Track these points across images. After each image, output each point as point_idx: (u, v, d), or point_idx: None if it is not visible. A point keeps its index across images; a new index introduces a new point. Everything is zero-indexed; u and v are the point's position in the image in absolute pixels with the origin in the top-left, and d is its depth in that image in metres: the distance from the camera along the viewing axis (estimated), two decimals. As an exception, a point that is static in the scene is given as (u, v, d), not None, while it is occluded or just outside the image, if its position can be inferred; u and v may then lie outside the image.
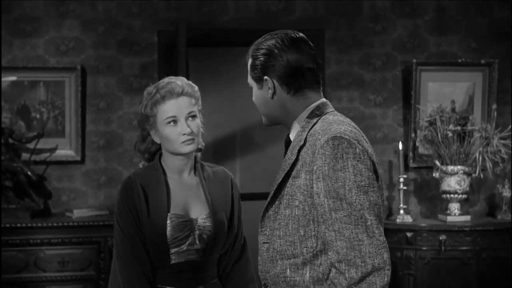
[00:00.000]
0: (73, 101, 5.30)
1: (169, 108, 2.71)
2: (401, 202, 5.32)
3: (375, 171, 2.15)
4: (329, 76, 5.48)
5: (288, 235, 2.18)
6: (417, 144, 5.50)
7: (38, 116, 5.29)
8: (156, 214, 2.68)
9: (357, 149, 2.11)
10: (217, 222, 2.75)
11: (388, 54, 5.57)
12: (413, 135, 5.47)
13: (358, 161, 2.09)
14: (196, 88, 2.78)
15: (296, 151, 2.19)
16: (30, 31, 5.30)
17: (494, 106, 5.46)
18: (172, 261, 2.70)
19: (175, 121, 2.71)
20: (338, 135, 2.12)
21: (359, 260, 2.03)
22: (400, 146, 5.37)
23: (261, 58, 2.25)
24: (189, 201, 2.77)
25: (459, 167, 5.23)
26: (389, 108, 5.56)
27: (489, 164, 5.21)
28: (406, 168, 5.50)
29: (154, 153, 2.84)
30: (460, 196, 5.27)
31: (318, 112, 2.24)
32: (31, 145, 5.18)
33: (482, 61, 5.50)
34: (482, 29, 5.61)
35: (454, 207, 5.29)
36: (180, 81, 2.75)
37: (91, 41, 5.35)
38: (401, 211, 5.29)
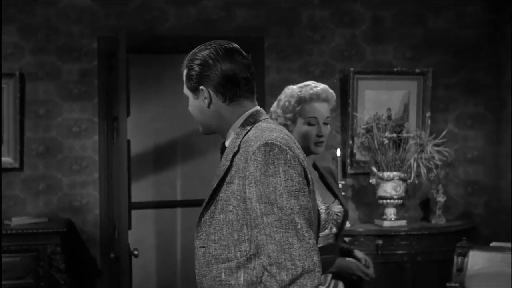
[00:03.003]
0: (11, 107, 5.23)
1: (313, 109, 2.98)
2: (339, 208, 5.41)
3: (306, 177, 2.22)
4: (269, 84, 5.54)
5: (222, 240, 2.22)
6: (354, 151, 5.60)
7: (-25, 122, 5.22)
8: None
9: (288, 155, 2.17)
10: (345, 208, 3.06)
11: (327, 62, 5.67)
12: (350, 142, 5.57)
13: (289, 166, 2.15)
14: (335, 97, 3.06)
15: (230, 157, 2.24)
16: (-32, 37, 5.23)
17: (428, 114, 5.60)
18: (318, 245, 2.88)
19: (314, 123, 2.98)
20: (270, 141, 2.17)
21: (289, 263, 2.09)
22: (338, 152, 5.46)
23: (196, 69, 2.29)
24: (319, 191, 2.99)
25: (394, 173, 5.35)
26: (327, 116, 5.65)
27: (423, 170, 5.34)
28: (344, 175, 5.60)
29: None
30: (396, 201, 5.38)
31: (252, 120, 2.30)
32: (-32, 152, 5.11)
33: (417, 70, 5.64)
34: (416, 39, 5.76)
35: (390, 212, 5.41)
36: (326, 88, 3.03)
37: (30, 47, 5.30)
38: (339, 217, 5.38)
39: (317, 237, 2.71)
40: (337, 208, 3.01)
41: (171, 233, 6.81)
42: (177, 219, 6.84)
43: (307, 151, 2.93)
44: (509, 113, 5.70)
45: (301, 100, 2.98)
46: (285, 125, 3.00)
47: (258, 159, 2.15)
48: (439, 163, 5.41)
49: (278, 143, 2.17)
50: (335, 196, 3.06)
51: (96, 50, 5.37)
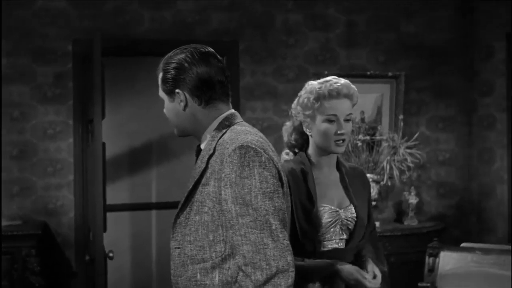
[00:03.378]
0: (-15, 110, 5.21)
1: (333, 106, 2.78)
2: (313, 210, 5.45)
3: (280, 179, 2.26)
4: (243, 87, 5.58)
5: (198, 240, 2.26)
6: (328, 153, 5.64)
7: (-51, 125, 5.19)
8: (302, 205, 2.76)
9: (263, 158, 2.21)
10: (360, 213, 2.87)
11: (300, 66, 5.72)
12: (324, 144, 5.61)
13: (263, 168, 2.19)
14: (357, 93, 2.85)
15: (206, 159, 2.28)
16: None
17: (400, 117, 5.67)
18: (318, 249, 2.80)
19: (334, 120, 2.78)
20: (245, 144, 2.21)
21: (264, 263, 2.13)
22: (312, 155, 5.50)
23: (172, 72, 2.32)
24: (335, 193, 2.87)
25: (368, 175, 5.39)
26: (301, 118, 5.69)
27: (396, 172, 5.40)
28: (318, 177, 5.64)
29: (301, 145, 2.93)
30: (369, 203, 5.43)
31: (227, 123, 2.34)
32: None
33: (390, 74, 5.71)
34: (389, 43, 5.83)
35: (364, 214, 5.46)
36: (347, 84, 2.82)
37: (5, 49, 5.28)
38: (313, 218, 5.42)
39: (315, 237, 2.75)
40: (349, 213, 2.86)
41: (146, 235, 6.82)
42: (152, 221, 6.85)
43: (327, 150, 2.83)
44: (480, 116, 5.79)
45: (320, 97, 2.80)
46: (305, 123, 2.86)
47: (234, 161, 2.19)
48: (411, 165, 5.48)
49: (253, 146, 2.21)
50: (351, 200, 2.89)
51: (71, 53, 5.36)
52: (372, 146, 5.47)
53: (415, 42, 5.85)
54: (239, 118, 2.38)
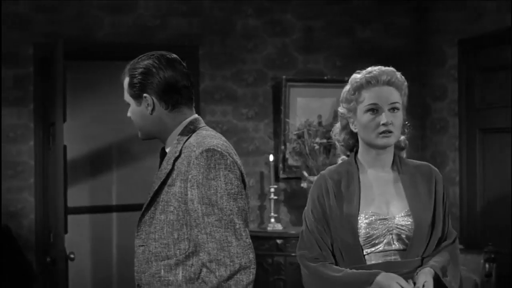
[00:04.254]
0: None
1: (372, 95, 2.53)
2: (272, 211, 5.54)
3: (243, 181, 2.38)
4: (203, 91, 5.65)
5: (163, 238, 2.36)
6: (286, 156, 5.72)
7: None
8: (348, 212, 2.50)
9: (228, 161, 2.33)
10: (418, 220, 2.49)
11: (259, 70, 5.81)
12: (283, 147, 5.71)
13: (229, 171, 2.32)
14: (406, 83, 2.61)
15: (172, 161, 2.38)
16: None
17: (356, 121, 5.79)
18: (368, 262, 2.50)
19: (376, 110, 2.52)
20: (212, 147, 2.33)
21: (228, 260, 2.25)
22: (271, 158, 5.58)
23: (139, 77, 2.41)
24: (386, 198, 2.54)
25: (323, 177, 5.50)
26: (260, 122, 5.79)
27: (352, 175, 5.52)
28: (277, 179, 5.71)
29: (352, 147, 2.66)
30: (326, 204, 5.53)
31: (192, 127, 2.44)
32: None
33: (346, 78, 5.70)
34: (346, 48, 5.96)
35: (321, 215, 5.56)
36: (388, 70, 2.59)
37: (-36, 52, 5.27)
38: (272, 220, 5.51)
39: (359, 249, 2.46)
40: (404, 220, 2.49)
41: (107, 237, 6.85)
42: (112, 223, 6.89)
43: (372, 145, 2.53)
44: (433, 120, 5.96)
45: (359, 86, 2.55)
46: (350, 119, 2.58)
47: (201, 163, 2.30)
48: (367, 167, 5.60)
49: (219, 149, 2.33)
50: (408, 206, 2.52)
51: (32, 57, 5.36)
52: (329, 149, 5.57)
53: (371, 47, 5.98)
54: (202, 123, 2.49)
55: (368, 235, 2.48)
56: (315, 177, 5.32)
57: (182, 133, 2.43)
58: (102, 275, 6.85)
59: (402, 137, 2.67)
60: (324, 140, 5.55)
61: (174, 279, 2.34)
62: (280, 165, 5.72)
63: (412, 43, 6.07)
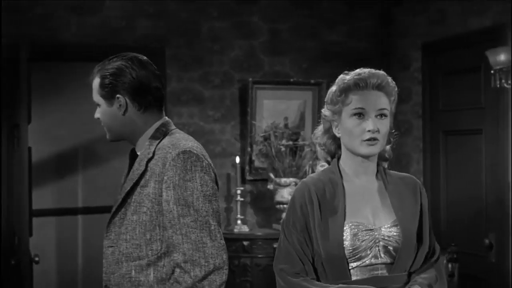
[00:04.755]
0: None
1: (359, 99, 2.35)
2: (239, 213, 5.55)
3: (216, 183, 2.41)
4: (170, 93, 5.64)
5: (134, 239, 2.37)
6: (253, 158, 5.75)
7: None
8: (332, 222, 2.32)
9: (204, 163, 2.36)
10: (405, 231, 2.34)
11: (226, 72, 5.82)
12: (249, 149, 5.73)
13: (204, 173, 2.35)
14: (396, 89, 2.43)
15: (145, 162, 2.39)
16: None
17: (323, 123, 5.83)
18: (354, 277, 2.32)
19: (362, 115, 2.35)
20: (188, 149, 2.36)
21: (203, 260, 2.27)
22: (238, 160, 5.60)
23: (111, 77, 2.41)
24: (372, 207, 2.38)
25: (291, 179, 5.52)
26: (227, 124, 5.80)
27: (318, 176, 5.55)
28: (243, 181, 5.74)
29: (334, 153, 2.49)
30: (292, 206, 5.55)
31: (164, 129, 2.46)
32: None
33: (312, 81, 5.86)
34: (312, 51, 6.00)
35: (287, 216, 5.58)
36: (379, 74, 2.41)
37: None
38: (239, 221, 5.53)
39: (343, 262, 2.30)
40: (390, 231, 2.34)
41: (72, 240, 6.81)
42: (78, 226, 6.84)
43: (355, 152, 2.36)
44: (398, 122, 6.03)
45: (346, 88, 2.39)
46: (333, 122, 2.42)
47: (178, 165, 2.32)
48: (333, 169, 5.64)
49: (195, 152, 2.36)
50: (394, 216, 2.37)
51: (-5, 57, 5.31)
52: (295, 151, 5.60)
53: (337, 50, 6.03)
54: (173, 126, 2.51)
55: (354, 247, 2.31)
56: (282, 179, 5.49)
57: (154, 135, 2.44)
58: (68, 278, 6.80)
59: (387, 147, 2.48)
60: (290, 142, 5.59)
61: (145, 279, 2.35)
62: (247, 167, 5.74)
63: (377, 47, 6.13)
